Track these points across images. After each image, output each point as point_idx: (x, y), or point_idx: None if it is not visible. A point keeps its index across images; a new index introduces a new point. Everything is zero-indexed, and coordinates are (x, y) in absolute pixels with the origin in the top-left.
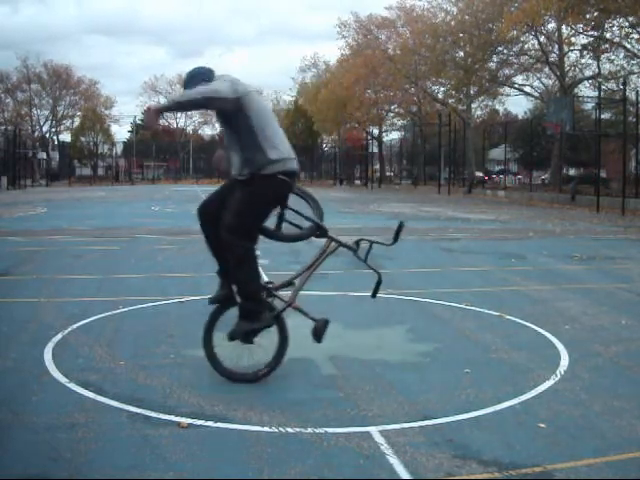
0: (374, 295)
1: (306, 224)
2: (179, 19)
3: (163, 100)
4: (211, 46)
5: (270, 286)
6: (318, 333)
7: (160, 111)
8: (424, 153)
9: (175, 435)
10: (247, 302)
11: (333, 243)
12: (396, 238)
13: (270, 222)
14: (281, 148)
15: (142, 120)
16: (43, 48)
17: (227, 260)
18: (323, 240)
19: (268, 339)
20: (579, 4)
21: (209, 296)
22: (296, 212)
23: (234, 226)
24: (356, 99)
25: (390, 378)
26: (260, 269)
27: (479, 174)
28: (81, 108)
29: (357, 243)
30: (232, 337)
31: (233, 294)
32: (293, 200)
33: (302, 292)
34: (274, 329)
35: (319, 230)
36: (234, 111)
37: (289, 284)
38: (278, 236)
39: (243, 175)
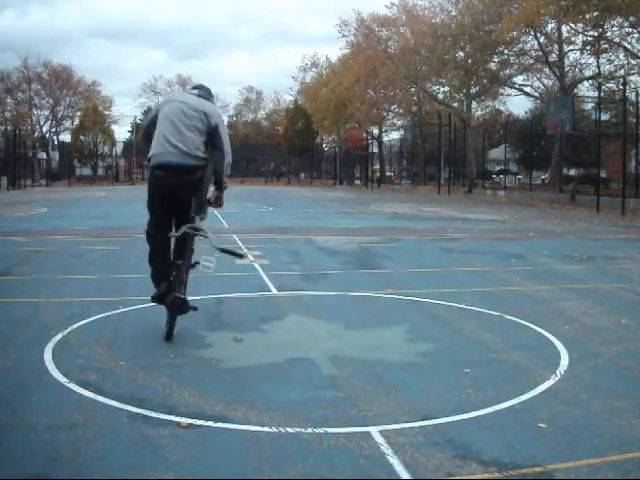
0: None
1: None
2: (180, 22)
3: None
4: (211, 49)
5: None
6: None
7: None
8: (424, 153)
9: (175, 435)
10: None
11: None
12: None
13: None
14: (154, 145)
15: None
16: (47, 51)
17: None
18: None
19: None
20: (579, 3)
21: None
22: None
23: None
24: (356, 99)
25: (390, 378)
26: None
27: None
28: (81, 108)
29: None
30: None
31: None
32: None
33: (302, 292)
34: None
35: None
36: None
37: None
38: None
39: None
